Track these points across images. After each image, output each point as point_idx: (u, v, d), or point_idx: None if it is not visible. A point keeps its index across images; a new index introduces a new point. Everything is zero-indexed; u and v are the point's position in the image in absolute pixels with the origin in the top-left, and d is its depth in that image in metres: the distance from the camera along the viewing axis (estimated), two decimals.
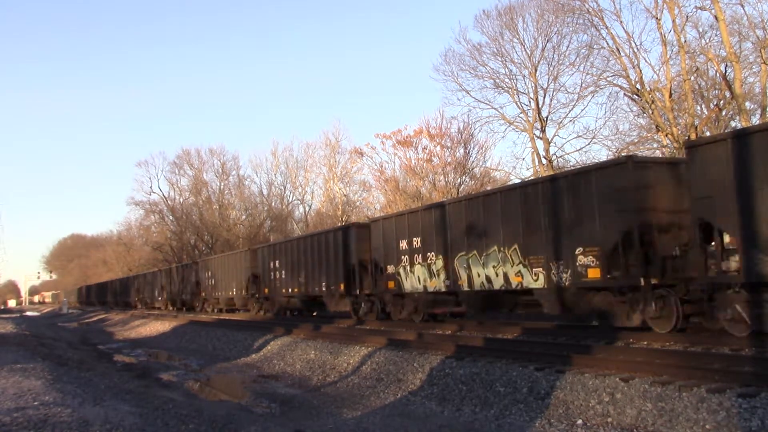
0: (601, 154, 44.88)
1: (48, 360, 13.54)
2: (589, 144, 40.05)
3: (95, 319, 46.61)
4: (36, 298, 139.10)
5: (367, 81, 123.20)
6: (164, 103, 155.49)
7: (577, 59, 29.27)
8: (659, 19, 25.20)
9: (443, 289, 16.45)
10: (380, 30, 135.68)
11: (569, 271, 12.61)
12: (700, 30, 24.87)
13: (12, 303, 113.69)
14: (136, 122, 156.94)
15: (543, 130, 31.71)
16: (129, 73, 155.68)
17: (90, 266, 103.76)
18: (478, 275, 15.15)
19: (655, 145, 25.97)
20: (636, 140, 26.89)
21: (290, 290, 25.02)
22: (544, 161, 31.15)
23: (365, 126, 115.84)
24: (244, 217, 58.50)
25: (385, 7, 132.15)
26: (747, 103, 23.31)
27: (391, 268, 18.61)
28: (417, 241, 17.48)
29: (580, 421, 7.50)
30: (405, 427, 8.30)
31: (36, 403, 7.56)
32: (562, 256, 12.81)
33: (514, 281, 14.09)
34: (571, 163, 30.04)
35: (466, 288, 15.60)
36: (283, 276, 25.69)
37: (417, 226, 17.58)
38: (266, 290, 27.45)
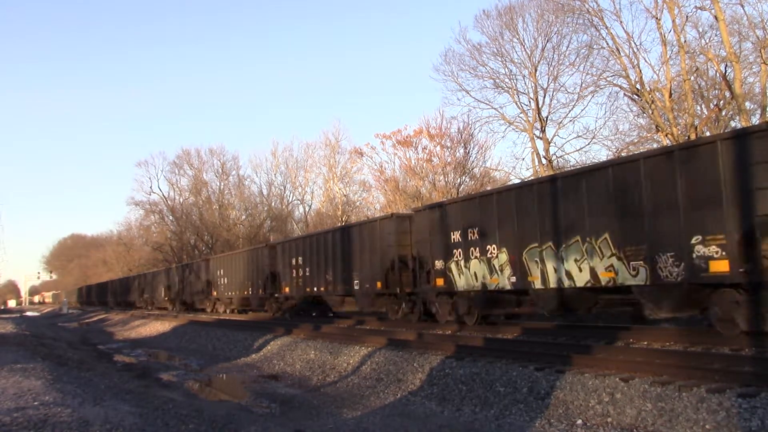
0: (601, 154, 44.96)
1: (48, 360, 13.54)
2: (588, 144, 40.15)
3: (95, 319, 46.63)
4: (36, 298, 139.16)
5: (367, 81, 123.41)
6: (164, 103, 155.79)
7: (577, 59, 29.32)
8: (659, 19, 25.24)
9: (508, 287, 14.25)
10: (380, 30, 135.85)
11: (682, 264, 10.50)
12: (700, 30, 24.91)
13: (12, 303, 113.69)
14: (136, 122, 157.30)
15: (543, 130, 31.73)
16: (129, 73, 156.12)
17: (90, 266, 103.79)
18: (555, 270, 12.98)
19: (654, 146, 25.97)
20: (636, 140, 26.92)
21: (315, 289, 22.94)
22: (544, 161, 31.17)
23: (365, 126, 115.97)
24: (244, 217, 58.59)
25: (385, 7, 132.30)
26: (747, 103, 23.31)
27: (439, 264, 16.33)
28: (474, 233, 15.18)
29: (580, 421, 7.50)
30: (405, 427, 8.30)
31: (36, 403, 7.56)
32: (672, 247, 10.67)
33: (604, 277, 11.88)
34: (571, 164, 30.11)
35: (538, 285, 13.41)
36: (307, 274, 23.47)
37: (475, 216, 15.21)
38: (286, 289, 25.34)
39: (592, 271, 12.19)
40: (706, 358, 8.85)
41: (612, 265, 11.77)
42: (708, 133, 23.62)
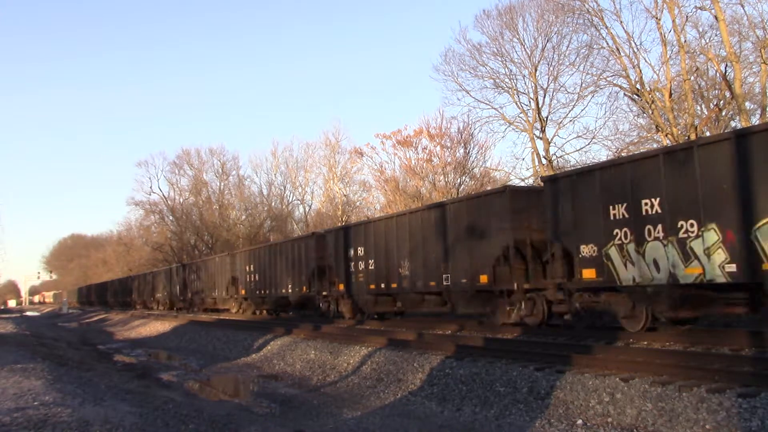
0: (601, 154, 44.97)
1: (48, 360, 13.55)
2: (589, 144, 40.16)
3: (95, 319, 46.63)
4: (36, 298, 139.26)
5: (367, 81, 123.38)
6: (164, 103, 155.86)
7: (577, 59, 29.37)
8: (659, 19, 25.27)
9: (720, 279, 10.13)
10: (380, 30, 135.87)
11: None
12: (700, 30, 24.94)
13: (12, 303, 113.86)
14: (136, 122, 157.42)
15: (543, 130, 31.76)
16: (129, 73, 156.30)
17: (90, 266, 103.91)
18: None
19: (655, 146, 25.99)
20: (636, 140, 26.95)
21: (384, 285, 18.92)
22: (544, 161, 31.18)
23: (365, 126, 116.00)
24: (244, 217, 58.66)
25: (386, 7, 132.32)
26: (747, 103, 23.32)
27: (588, 250, 12.41)
28: (652, 204, 11.17)
29: (580, 421, 7.50)
30: (405, 427, 8.31)
31: (36, 403, 7.57)
32: None
33: None
34: (572, 164, 30.15)
35: None
36: (371, 267, 19.55)
37: (654, 180, 11.12)
38: (341, 286, 21.43)
39: None
40: (706, 358, 8.85)
41: None
42: (708, 133, 23.66)
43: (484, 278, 15.01)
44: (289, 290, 25.24)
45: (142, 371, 14.90)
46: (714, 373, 7.58)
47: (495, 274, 14.70)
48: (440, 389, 9.83)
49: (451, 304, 16.86)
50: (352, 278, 20.73)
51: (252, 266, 29.28)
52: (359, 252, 20.38)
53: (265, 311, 29.38)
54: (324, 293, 22.65)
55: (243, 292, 30.39)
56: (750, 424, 6.28)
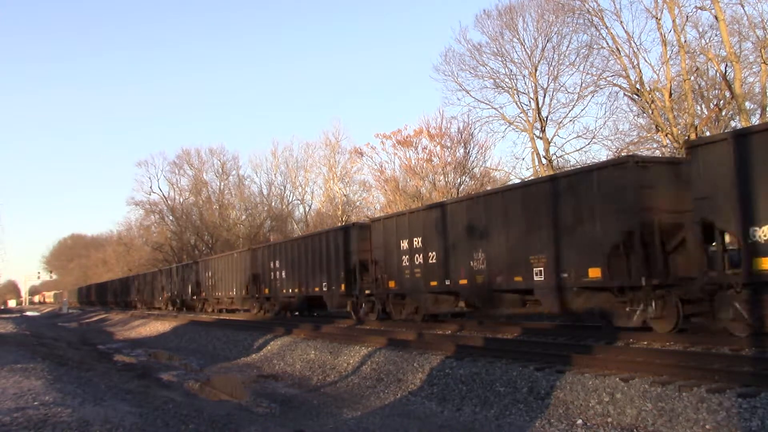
0: (601, 154, 44.97)
1: (48, 360, 13.55)
2: (589, 144, 40.17)
3: (95, 319, 46.63)
4: (36, 298, 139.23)
5: (367, 81, 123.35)
6: (164, 103, 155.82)
7: (577, 59, 29.40)
8: (659, 19, 25.28)
9: None
10: (381, 30, 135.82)
11: None
12: (700, 30, 24.96)
13: (12, 303, 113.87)
14: (136, 122, 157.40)
15: (543, 130, 31.76)
16: (129, 73, 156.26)
17: (90, 266, 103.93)
18: None
19: (654, 145, 26.03)
20: (636, 140, 26.95)
21: (449, 282, 16.27)
22: (544, 161, 31.19)
23: (365, 126, 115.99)
24: (244, 217, 58.67)
25: (386, 6, 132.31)
26: (747, 103, 23.34)
27: (765, 232, 9.51)
28: None
29: (580, 421, 7.50)
30: (405, 427, 8.31)
31: (36, 403, 7.57)
32: None
33: None
34: (571, 164, 30.16)
35: None
36: (432, 261, 16.83)
37: None
38: (391, 283, 18.62)
39: None
40: (706, 358, 8.85)
41: None
42: (708, 133, 23.65)
43: (594, 272, 12.24)
44: (324, 288, 22.41)
45: (142, 371, 14.90)
46: (714, 373, 7.58)
47: (610, 267, 11.93)
48: (440, 389, 9.83)
49: (548, 303, 13.66)
50: (405, 274, 18.02)
51: (277, 262, 26.24)
52: (416, 244, 17.57)
53: (289, 313, 26.64)
54: (367, 291, 20.13)
55: (266, 291, 27.51)
56: (750, 424, 6.28)
